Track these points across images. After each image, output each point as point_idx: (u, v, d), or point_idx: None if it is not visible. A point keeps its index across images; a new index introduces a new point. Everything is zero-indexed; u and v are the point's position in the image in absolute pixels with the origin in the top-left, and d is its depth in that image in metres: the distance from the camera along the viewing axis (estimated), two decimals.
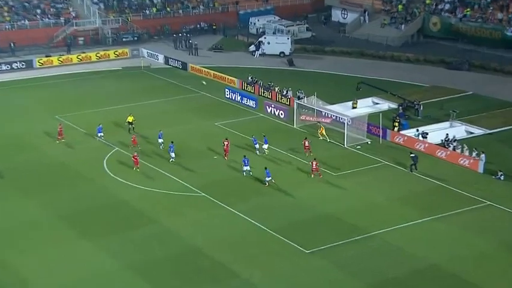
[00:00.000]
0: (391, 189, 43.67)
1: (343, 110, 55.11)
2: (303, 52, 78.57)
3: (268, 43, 77.62)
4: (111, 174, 45.28)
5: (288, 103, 59.71)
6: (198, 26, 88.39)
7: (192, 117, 57.16)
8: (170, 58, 74.86)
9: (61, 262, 34.81)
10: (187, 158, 48.02)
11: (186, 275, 33.92)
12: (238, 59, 77.25)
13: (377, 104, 59.00)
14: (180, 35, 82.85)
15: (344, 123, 51.15)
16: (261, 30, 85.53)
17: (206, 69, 70.06)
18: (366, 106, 58.01)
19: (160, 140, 49.03)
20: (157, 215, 39.83)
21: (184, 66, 72.71)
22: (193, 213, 40.24)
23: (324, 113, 54.24)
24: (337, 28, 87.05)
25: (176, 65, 73.67)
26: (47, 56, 74.72)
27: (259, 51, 78.09)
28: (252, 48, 78.74)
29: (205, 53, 79.49)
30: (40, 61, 73.22)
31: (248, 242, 37.01)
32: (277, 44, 77.34)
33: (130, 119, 53.34)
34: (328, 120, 53.49)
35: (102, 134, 50.52)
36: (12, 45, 76.25)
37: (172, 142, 47.16)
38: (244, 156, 45.32)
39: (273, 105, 58.28)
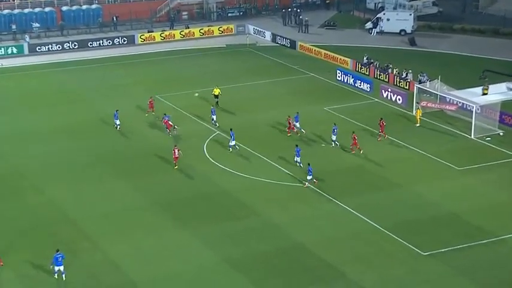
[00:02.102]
0: None
1: (472, 96, 52.87)
2: (427, 30, 76.27)
3: (388, 20, 76.00)
4: (212, 160, 45.93)
5: (407, 87, 58.16)
6: (310, 0, 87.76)
7: (300, 101, 56.91)
8: (278, 35, 74.91)
9: (155, 251, 35.69)
10: (294, 145, 47.81)
11: (288, 273, 33.81)
12: (353, 37, 76.09)
13: None
14: (289, 10, 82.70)
15: (472, 111, 49.20)
16: (379, 5, 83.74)
17: (317, 49, 69.53)
18: (498, 92, 55.28)
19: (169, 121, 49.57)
20: (260, 206, 39.96)
21: (293, 44, 72.53)
22: (299, 206, 40.06)
23: (448, 99, 52.39)
24: (469, 3, 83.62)
25: (284, 43, 73.63)
26: (149, 32, 77.02)
27: (377, 29, 76.56)
28: (369, 25, 77.32)
29: (316, 30, 78.95)
30: (142, 37, 75.57)
31: (359, 241, 36.39)
32: (397, 20, 75.55)
33: (216, 91, 54.08)
34: (453, 108, 51.65)
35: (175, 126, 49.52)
36: (114, 19, 79.20)
37: (231, 129, 46.88)
38: (297, 145, 44.53)
39: (390, 90, 56.97)
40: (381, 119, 48.32)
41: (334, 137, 47.28)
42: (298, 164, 43.96)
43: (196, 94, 45.34)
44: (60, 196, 41.43)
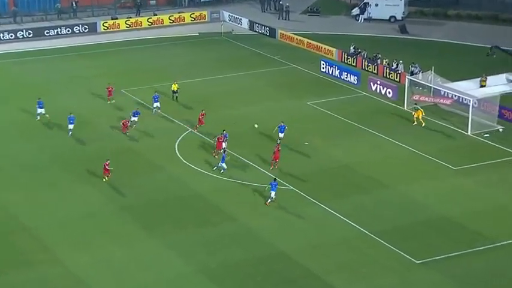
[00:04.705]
0: None
1: (468, 88, 53.56)
2: (420, 16, 77.10)
3: (376, 5, 76.67)
4: (184, 161, 46.09)
5: (397, 79, 58.73)
6: None
7: (280, 95, 57.24)
8: (256, 23, 75.21)
9: (122, 262, 35.75)
10: (273, 144, 48.12)
11: (269, 285, 34.04)
12: (338, 24, 76.60)
13: None
14: None
15: (468, 105, 49.82)
16: None
17: (299, 37, 69.89)
18: (497, 84, 56.03)
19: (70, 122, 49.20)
20: (237, 211, 40.18)
21: (272, 33, 72.85)
22: (279, 210, 40.32)
23: (442, 92, 52.98)
24: None
25: (263, 31, 73.94)
26: (113, 19, 76.91)
27: (365, 15, 77.18)
28: (356, 11, 77.92)
29: (298, 17, 79.38)
30: (105, 24, 75.44)
31: (345, 248, 36.75)
32: (387, 6, 76.28)
33: (174, 87, 54.99)
34: (448, 102, 52.23)
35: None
36: (74, 4, 78.92)
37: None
38: (224, 151, 44.42)
39: (379, 82, 57.50)
40: (278, 143, 45.27)
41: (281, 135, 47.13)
42: (220, 169, 43.66)
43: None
44: (14, 202, 41.27)
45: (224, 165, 43.58)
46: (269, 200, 40.56)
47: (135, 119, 50.16)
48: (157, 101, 52.72)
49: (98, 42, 71.68)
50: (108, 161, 43.13)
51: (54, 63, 65.68)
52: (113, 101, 54.67)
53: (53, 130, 50.80)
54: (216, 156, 45.28)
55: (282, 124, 47.49)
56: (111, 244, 37.16)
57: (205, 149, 47.42)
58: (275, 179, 41.00)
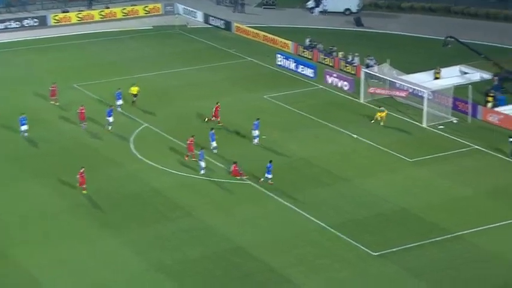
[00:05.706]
0: (482, 180, 43.04)
1: (423, 80, 54.46)
2: (374, 9, 77.90)
3: None
4: (139, 156, 45.98)
5: (353, 72, 59.31)
6: None
7: (236, 89, 57.38)
8: (211, 16, 75.19)
9: (79, 260, 35.58)
10: (230, 138, 48.30)
11: (227, 280, 34.26)
12: (294, 17, 76.98)
13: (466, 73, 58.06)
14: None
15: (423, 97, 50.55)
16: None
17: (254, 30, 70.06)
18: (451, 76, 57.15)
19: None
20: (194, 207, 40.27)
21: (227, 26, 72.93)
22: (236, 205, 40.55)
23: (398, 85, 53.69)
24: None
25: (218, 24, 73.97)
26: (63, 12, 76.16)
27: (320, 8, 77.67)
28: (311, 4, 78.40)
29: (253, 10, 79.55)
30: (56, 18, 74.71)
31: (303, 242, 37.11)
32: None
33: (134, 90, 53.33)
34: (403, 94, 52.94)
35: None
36: None
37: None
38: (202, 148, 44.00)
39: (335, 75, 58.01)
40: (193, 136, 44.90)
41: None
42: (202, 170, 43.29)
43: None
44: None
45: (201, 163, 43.18)
46: (269, 180, 41.59)
47: (110, 119, 48.81)
48: (120, 98, 51.79)
49: (49, 36, 70.89)
50: (83, 169, 41.34)
51: (2, 58, 64.70)
52: (57, 103, 53.05)
53: (3, 129, 50.06)
54: (187, 159, 44.94)
55: (257, 121, 46.87)
56: (66, 242, 36.94)
57: (162, 145, 47.35)
58: (271, 161, 41.64)
